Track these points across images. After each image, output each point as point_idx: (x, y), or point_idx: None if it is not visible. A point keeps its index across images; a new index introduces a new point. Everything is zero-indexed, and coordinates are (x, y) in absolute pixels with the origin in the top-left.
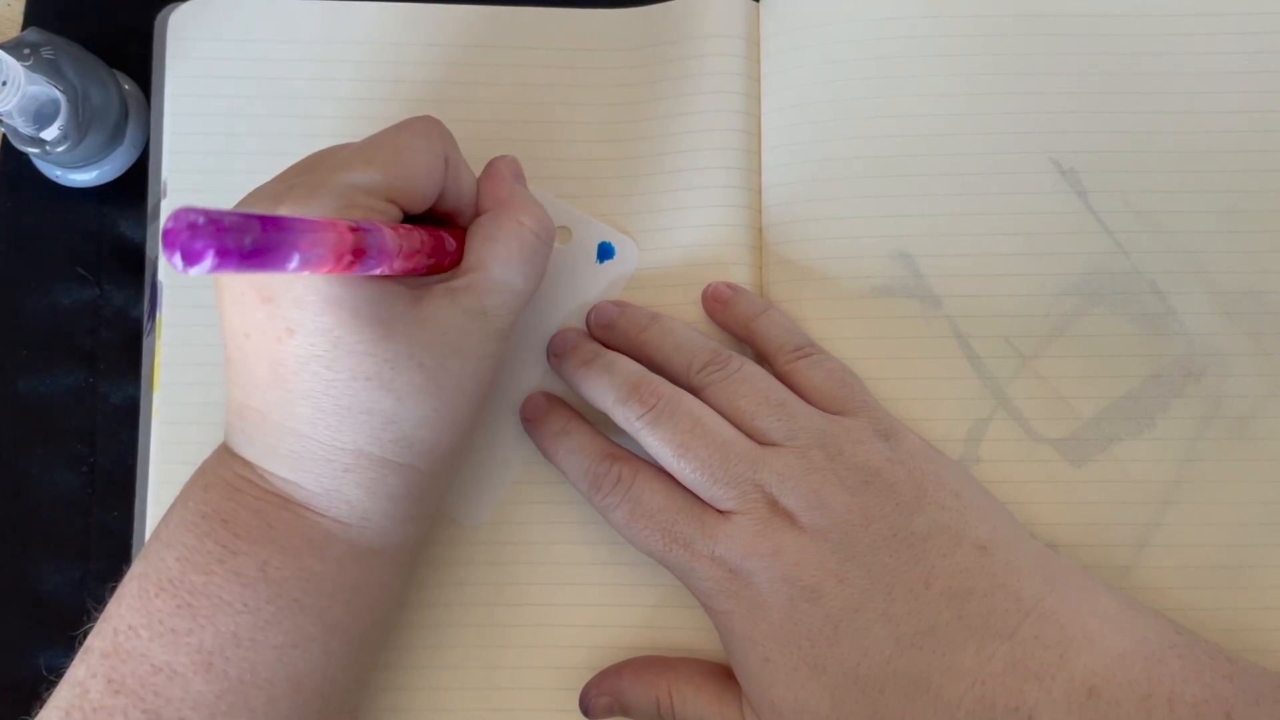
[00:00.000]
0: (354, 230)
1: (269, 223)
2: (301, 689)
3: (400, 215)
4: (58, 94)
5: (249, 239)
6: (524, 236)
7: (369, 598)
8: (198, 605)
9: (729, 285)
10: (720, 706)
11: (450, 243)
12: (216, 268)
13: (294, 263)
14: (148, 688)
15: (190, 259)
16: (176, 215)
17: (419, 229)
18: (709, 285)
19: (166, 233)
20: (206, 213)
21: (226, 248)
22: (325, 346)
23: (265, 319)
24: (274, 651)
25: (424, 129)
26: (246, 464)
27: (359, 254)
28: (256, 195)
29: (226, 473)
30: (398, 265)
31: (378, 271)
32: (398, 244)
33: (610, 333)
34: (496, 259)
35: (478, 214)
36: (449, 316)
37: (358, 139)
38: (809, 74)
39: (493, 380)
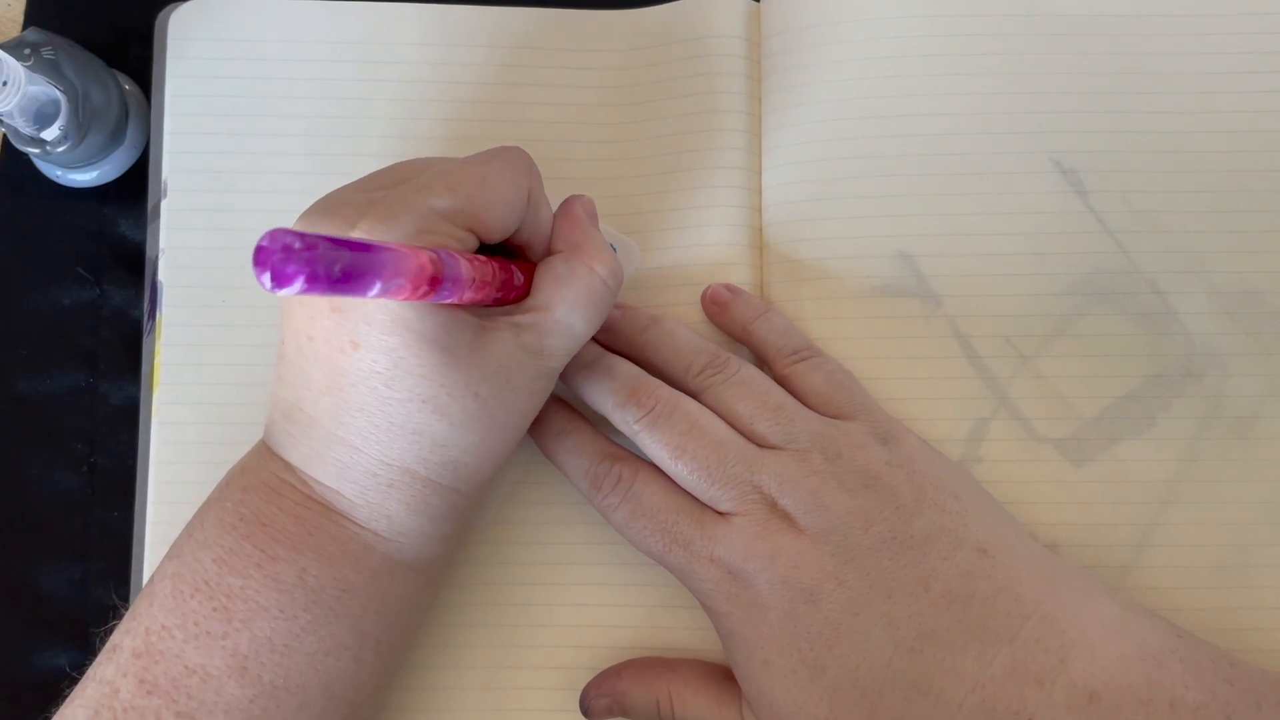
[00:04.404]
0: (434, 260)
1: (358, 249)
2: (332, 696)
3: (476, 244)
4: (58, 94)
5: (339, 266)
6: (593, 284)
7: (399, 610)
8: (234, 609)
9: (728, 287)
10: (720, 708)
11: (519, 277)
12: (305, 290)
13: (375, 289)
14: (180, 689)
15: (281, 281)
16: (272, 235)
17: (492, 261)
18: (708, 288)
19: (259, 251)
20: (302, 236)
21: (317, 273)
22: (387, 364)
23: (332, 327)
24: (308, 658)
25: (512, 161)
26: (289, 467)
27: (435, 283)
28: (336, 203)
29: (267, 475)
30: (468, 295)
31: (450, 300)
32: (471, 275)
33: (611, 335)
34: (564, 301)
35: (550, 252)
36: (509, 351)
37: (357, 139)
38: (809, 74)
39: (533, 418)
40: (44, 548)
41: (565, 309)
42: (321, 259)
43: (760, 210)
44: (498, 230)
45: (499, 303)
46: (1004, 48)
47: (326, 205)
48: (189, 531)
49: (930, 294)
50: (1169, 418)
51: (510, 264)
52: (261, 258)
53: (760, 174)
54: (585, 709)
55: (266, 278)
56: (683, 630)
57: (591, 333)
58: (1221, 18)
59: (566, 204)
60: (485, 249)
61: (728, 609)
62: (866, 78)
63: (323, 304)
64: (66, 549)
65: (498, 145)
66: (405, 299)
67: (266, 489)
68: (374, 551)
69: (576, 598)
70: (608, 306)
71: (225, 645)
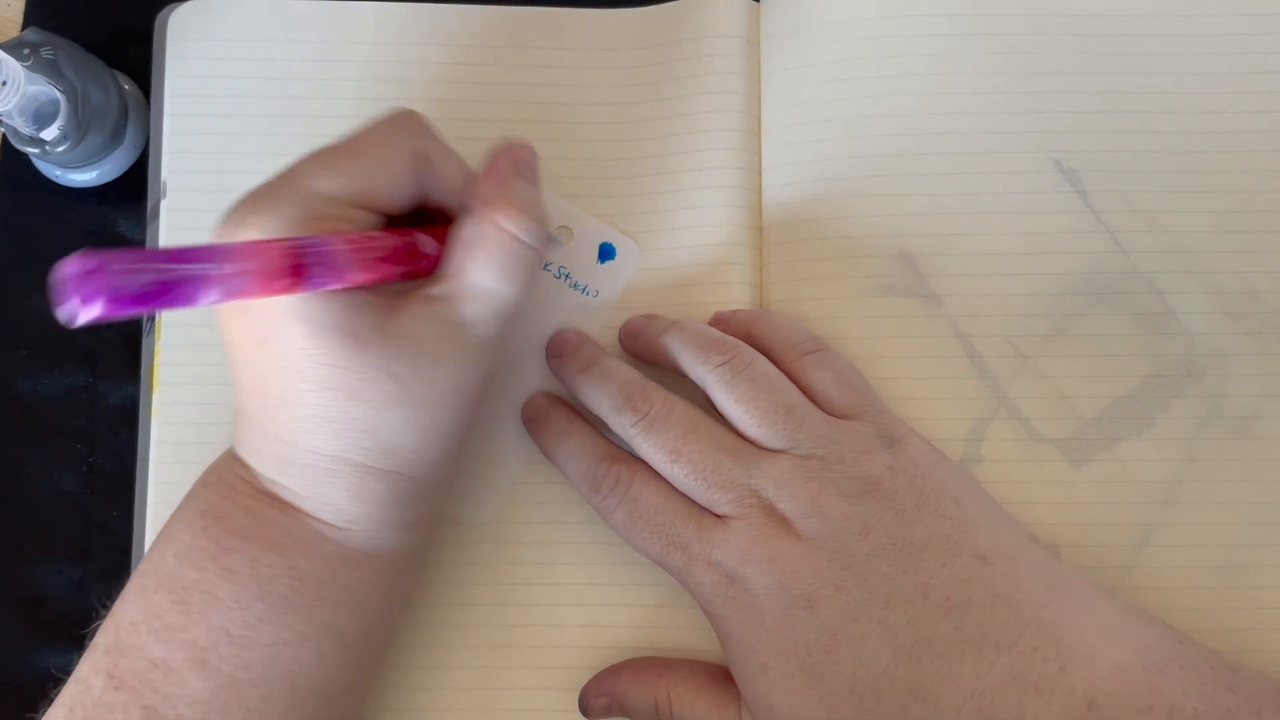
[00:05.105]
0: (291, 250)
1: (176, 257)
2: (296, 689)
3: (377, 221)
4: (57, 94)
5: (144, 281)
6: (503, 241)
7: (362, 600)
8: (191, 601)
9: (726, 312)
10: (719, 710)
11: (429, 245)
12: (110, 314)
13: (214, 295)
14: (145, 683)
15: (83, 306)
16: (70, 261)
17: (387, 234)
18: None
19: (61, 281)
20: (99, 255)
21: (120, 295)
22: (295, 358)
23: (241, 330)
24: (266, 649)
25: (393, 125)
26: (244, 464)
27: (298, 272)
28: (239, 201)
29: (226, 472)
30: (359, 277)
31: (333, 287)
32: (351, 257)
33: (636, 342)
34: (476, 264)
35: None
36: (424, 326)
37: None
38: (809, 74)
39: (482, 391)
40: (43, 548)
41: (479, 272)
42: (117, 280)
43: (760, 210)
44: (392, 199)
45: (411, 276)
46: (1004, 48)
47: (234, 206)
48: (161, 530)
49: (930, 294)
50: (1169, 418)
51: (414, 236)
52: (64, 287)
53: (760, 174)
54: (584, 709)
55: (73, 304)
56: (682, 630)
57: (517, 292)
58: (1222, 18)
59: (491, 154)
60: (412, 220)
61: (725, 612)
62: (866, 77)
63: (233, 308)
64: (66, 549)
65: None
66: (269, 294)
67: (223, 484)
68: (326, 540)
69: (576, 598)
70: (529, 263)
71: (185, 638)
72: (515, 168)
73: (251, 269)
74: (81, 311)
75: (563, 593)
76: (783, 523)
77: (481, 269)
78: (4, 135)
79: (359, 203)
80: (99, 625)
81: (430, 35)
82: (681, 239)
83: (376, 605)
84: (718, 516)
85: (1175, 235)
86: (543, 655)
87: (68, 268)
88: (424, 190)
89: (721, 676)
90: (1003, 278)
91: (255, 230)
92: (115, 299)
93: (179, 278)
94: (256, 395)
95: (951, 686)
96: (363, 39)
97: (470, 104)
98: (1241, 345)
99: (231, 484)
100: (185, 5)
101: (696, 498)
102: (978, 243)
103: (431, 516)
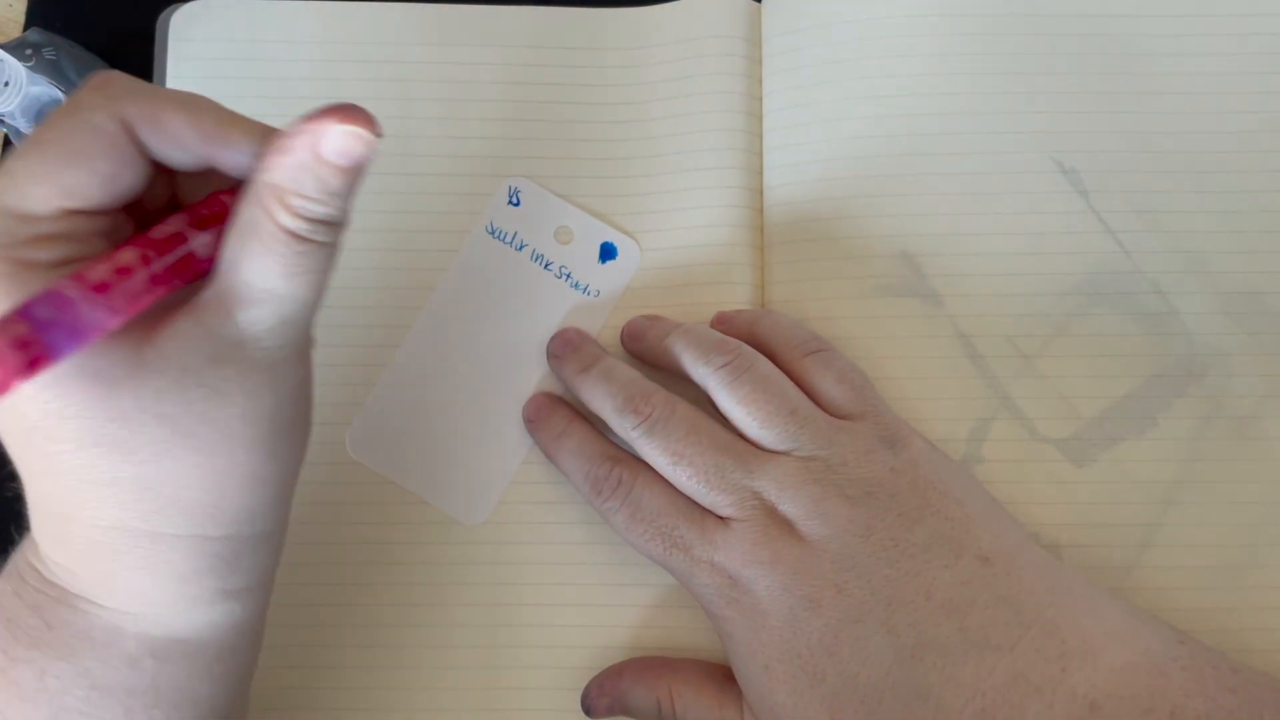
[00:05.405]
0: (16, 339)
1: None
2: None
3: (104, 224)
4: (59, 94)
5: None
6: (279, 237)
7: (180, 697)
8: None
9: (729, 312)
10: (721, 709)
11: (205, 245)
12: None
13: None
14: None
15: None
16: None
17: (131, 245)
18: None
19: None
20: None
21: None
22: (36, 417)
23: None
24: None
25: (77, 103)
26: (36, 548)
27: (37, 357)
28: None
29: (20, 559)
30: (120, 319)
31: (87, 344)
32: (103, 304)
33: (638, 344)
34: (250, 260)
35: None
36: (192, 347)
37: None
38: (809, 74)
39: (296, 417)
40: None
41: (254, 270)
42: None
43: (761, 210)
44: (107, 192)
45: (198, 278)
46: (1004, 48)
47: None
48: None
49: (932, 294)
50: (1170, 418)
51: (184, 234)
52: None
53: (761, 174)
54: (586, 708)
55: None
56: (683, 630)
57: (310, 293)
58: (1223, 18)
59: (296, 129)
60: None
61: (728, 613)
62: (867, 78)
63: None
64: None
65: (497, 148)
66: (12, 388)
67: (15, 576)
68: (124, 634)
69: (576, 598)
70: (320, 258)
71: None
72: (318, 155)
73: None
74: None
75: (563, 593)
76: (785, 525)
77: (256, 266)
78: (5, 135)
79: (63, 209)
80: None
81: (430, 36)
82: (682, 239)
83: (204, 700)
84: (720, 518)
85: (1177, 235)
86: (543, 655)
87: None
88: (166, 158)
89: (723, 676)
90: (1004, 278)
91: None
92: None
93: None
94: (21, 465)
95: (954, 687)
96: (363, 39)
97: (470, 104)
98: (1243, 345)
99: (22, 574)
100: (186, 6)
101: (699, 499)
102: (979, 243)
103: (264, 580)
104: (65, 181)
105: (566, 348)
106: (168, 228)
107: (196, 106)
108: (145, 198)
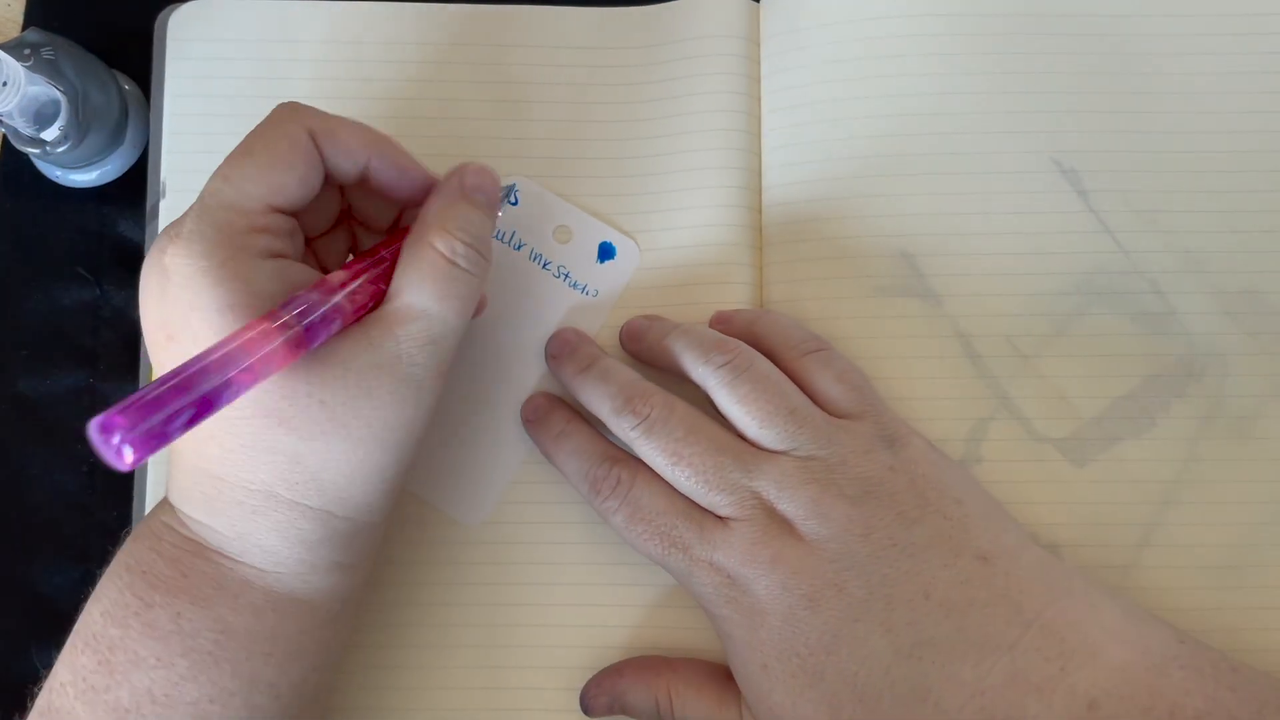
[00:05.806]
0: (294, 329)
1: (186, 384)
2: None
3: (292, 225)
4: (58, 94)
5: (163, 417)
6: (435, 261)
7: (293, 649)
8: (115, 661)
9: (728, 311)
10: (720, 709)
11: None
12: (150, 454)
13: (231, 396)
14: None
15: (120, 457)
16: (92, 425)
17: (356, 263)
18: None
19: (97, 444)
20: (118, 413)
21: (148, 438)
22: None
23: (169, 360)
24: (190, 708)
25: (273, 120)
26: (171, 509)
27: (304, 342)
28: (153, 247)
29: (153, 520)
30: (352, 317)
31: (329, 336)
32: (345, 308)
33: (638, 344)
34: (409, 284)
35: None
36: (358, 352)
37: None
38: (809, 74)
39: (420, 434)
40: (44, 548)
41: (412, 291)
42: (138, 432)
43: (760, 210)
44: (298, 192)
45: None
46: (1004, 48)
47: (155, 242)
48: (95, 587)
49: (931, 294)
50: (1169, 418)
51: (371, 264)
52: (101, 447)
53: (760, 174)
54: (585, 707)
55: (116, 459)
56: (683, 630)
57: (455, 316)
58: (1222, 18)
59: (446, 176)
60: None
61: (727, 613)
62: (866, 78)
63: (161, 337)
64: (66, 549)
65: (496, 147)
66: (282, 368)
67: (150, 535)
68: (253, 587)
69: (576, 598)
70: (466, 285)
71: (108, 700)
72: (464, 190)
73: (260, 360)
74: (122, 464)
75: (563, 593)
76: (784, 524)
77: (415, 288)
78: (4, 135)
79: (267, 205)
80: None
81: (430, 35)
82: (681, 238)
83: (310, 655)
84: (719, 518)
85: (1175, 235)
86: (543, 655)
87: (91, 433)
88: (336, 167)
89: (723, 675)
90: (1003, 277)
91: (184, 281)
92: (145, 444)
93: (196, 400)
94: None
95: (953, 687)
96: (362, 39)
97: (470, 103)
98: (1242, 345)
99: (158, 533)
100: (185, 6)
101: (698, 499)
102: (978, 243)
103: (366, 561)
104: (273, 181)
105: (565, 348)
106: (379, 253)
107: (359, 125)
108: (309, 211)
